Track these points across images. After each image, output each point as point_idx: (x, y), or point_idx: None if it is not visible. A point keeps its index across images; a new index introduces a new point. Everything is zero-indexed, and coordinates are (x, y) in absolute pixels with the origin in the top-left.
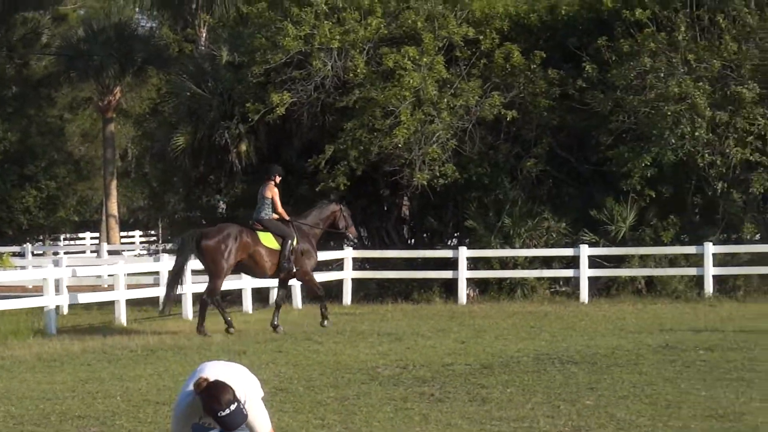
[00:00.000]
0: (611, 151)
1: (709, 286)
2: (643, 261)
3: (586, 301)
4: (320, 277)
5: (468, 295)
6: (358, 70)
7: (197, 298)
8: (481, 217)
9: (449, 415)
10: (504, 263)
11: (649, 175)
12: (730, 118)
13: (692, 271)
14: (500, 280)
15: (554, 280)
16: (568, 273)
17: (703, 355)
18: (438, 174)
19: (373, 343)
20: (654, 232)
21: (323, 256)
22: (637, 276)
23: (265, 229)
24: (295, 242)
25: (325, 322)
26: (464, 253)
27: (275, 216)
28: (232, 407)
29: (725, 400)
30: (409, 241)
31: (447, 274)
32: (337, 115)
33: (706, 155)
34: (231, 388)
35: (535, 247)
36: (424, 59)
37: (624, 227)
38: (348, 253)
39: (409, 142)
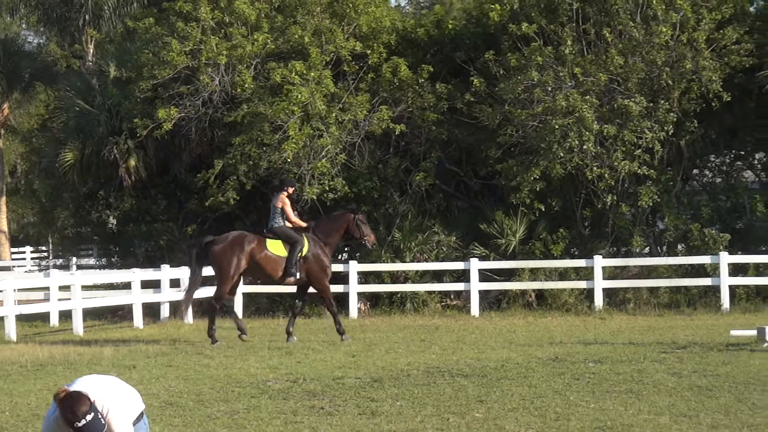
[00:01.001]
0: (500, 165)
1: (599, 299)
2: (534, 274)
3: (477, 314)
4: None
5: (359, 308)
6: (246, 85)
7: (87, 313)
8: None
9: (339, 428)
10: (395, 277)
11: (538, 188)
12: (617, 131)
13: (582, 285)
14: (391, 294)
15: (445, 294)
16: (459, 287)
17: (593, 367)
18: (328, 188)
19: (263, 357)
20: (544, 246)
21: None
22: (527, 289)
23: (276, 237)
24: (305, 250)
25: (343, 337)
26: (355, 267)
27: (289, 225)
28: (89, 418)
29: (614, 412)
30: None
31: (338, 288)
32: (225, 130)
33: (595, 168)
34: (88, 399)
35: (426, 260)
36: (312, 74)
37: (514, 241)
38: None
39: (298, 157)
